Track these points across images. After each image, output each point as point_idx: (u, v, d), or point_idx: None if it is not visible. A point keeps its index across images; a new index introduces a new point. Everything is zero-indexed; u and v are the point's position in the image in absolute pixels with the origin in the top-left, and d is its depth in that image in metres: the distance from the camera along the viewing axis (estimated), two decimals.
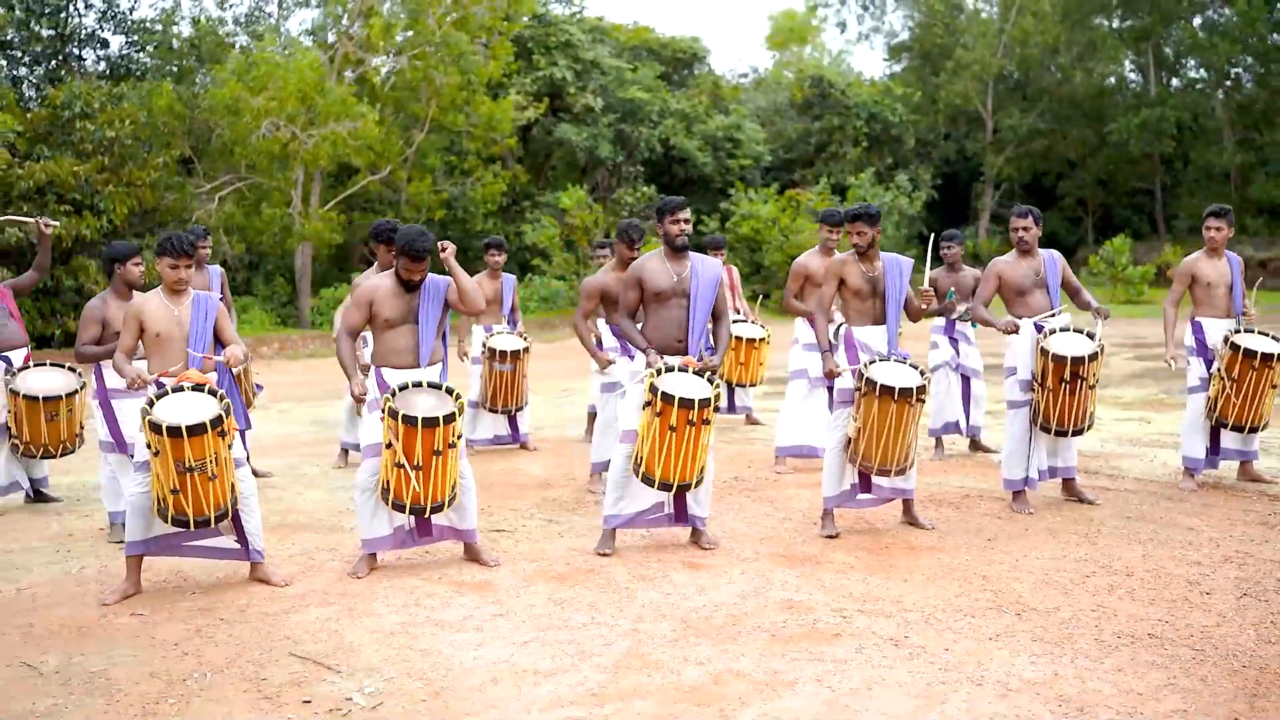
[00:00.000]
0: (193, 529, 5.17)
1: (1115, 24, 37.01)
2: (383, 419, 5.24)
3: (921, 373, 6.00)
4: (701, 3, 73.18)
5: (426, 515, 5.38)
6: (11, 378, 7.13)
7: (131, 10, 25.81)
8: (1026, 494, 6.63)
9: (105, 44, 26.01)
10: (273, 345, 20.78)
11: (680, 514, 5.94)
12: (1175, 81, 37.23)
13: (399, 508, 5.33)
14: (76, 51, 25.58)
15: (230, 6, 24.52)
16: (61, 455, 7.35)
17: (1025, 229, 6.70)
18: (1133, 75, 38.41)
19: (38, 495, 7.61)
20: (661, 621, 4.70)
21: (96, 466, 8.52)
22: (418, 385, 5.36)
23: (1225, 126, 32.84)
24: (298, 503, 7.28)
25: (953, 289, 8.10)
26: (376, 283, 5.61)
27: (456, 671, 4.15)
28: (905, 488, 6.26)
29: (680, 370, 5.72)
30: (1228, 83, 34.80)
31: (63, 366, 7.38)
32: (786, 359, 8.36)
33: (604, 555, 5.78)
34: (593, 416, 9.73)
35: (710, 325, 6.04)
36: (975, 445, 8.56)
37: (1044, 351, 6.35)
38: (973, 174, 39.46)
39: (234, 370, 6.26)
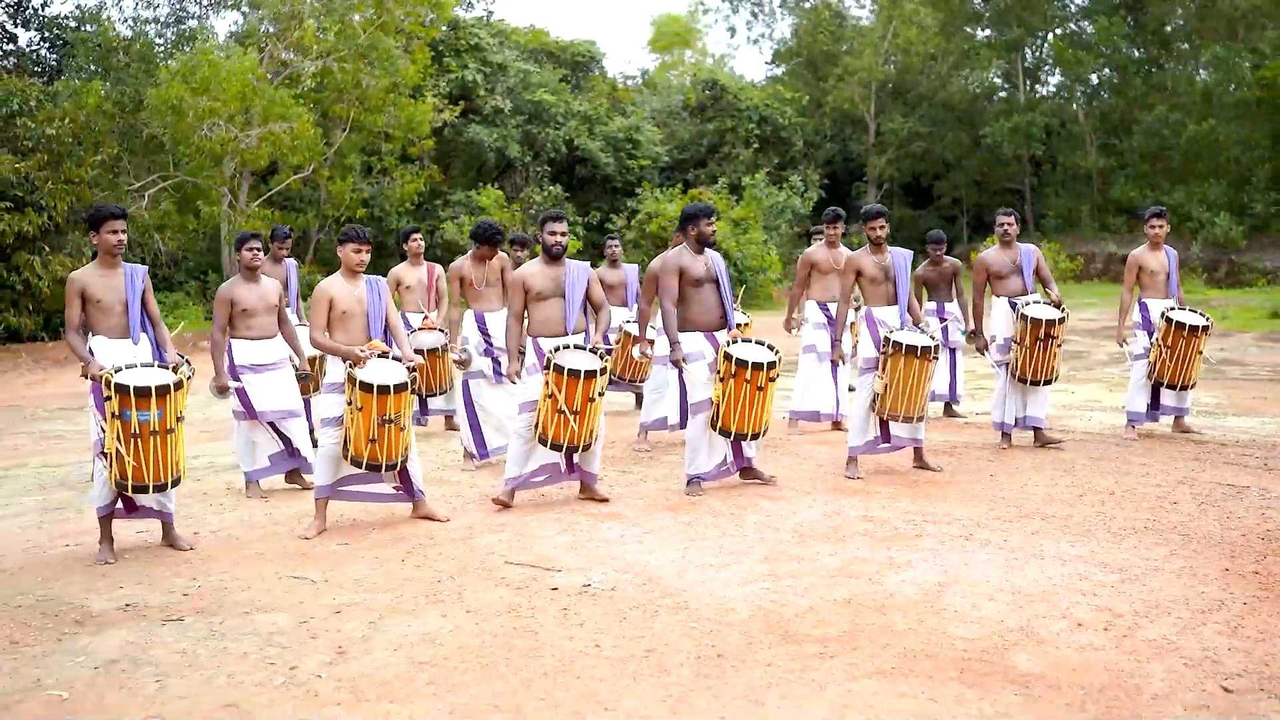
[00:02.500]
0: (382, 472, 6.33)
1: (987, 35, 39.55)
2: (547, 376, 6.45)
3: (932, 336, 7.47)
4: (587, 5, 74.45)
5: (581, 450, 6.64)
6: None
7: (44, 6, 25.97)
8: (1011, 435, 8.21)
9: (13, 39, 26.10)
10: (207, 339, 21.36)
11: (738, 457, 7.28)
12: (1042, 89, 40.00)
13: (557, 447, 6.57)
14: None
15: (154, 7, 24.86)
16: None
17: (1009, 225, 8.29)
18: (1001, 82, 41.03)
19: None
20: (778, 532, 6.05)
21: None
22: (567, 347, 6.60)
23: (1088, 132, 35.58)
24: None
25: None
26: (527, 267, 6.83)
27: (650, 568, 5.42)
28: (919, 437, 7.72)
29: (732, 342, 7.06)
30: (1088, 90, 37.66)
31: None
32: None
33: (694, 496, 7.08)
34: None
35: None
36: (950, 411, 10.10)
37: (1023, 317, 7.95)
38: (854, 174, 41.61)
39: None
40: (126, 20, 25.33)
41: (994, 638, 4.31)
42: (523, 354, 6.91)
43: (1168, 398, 8.66)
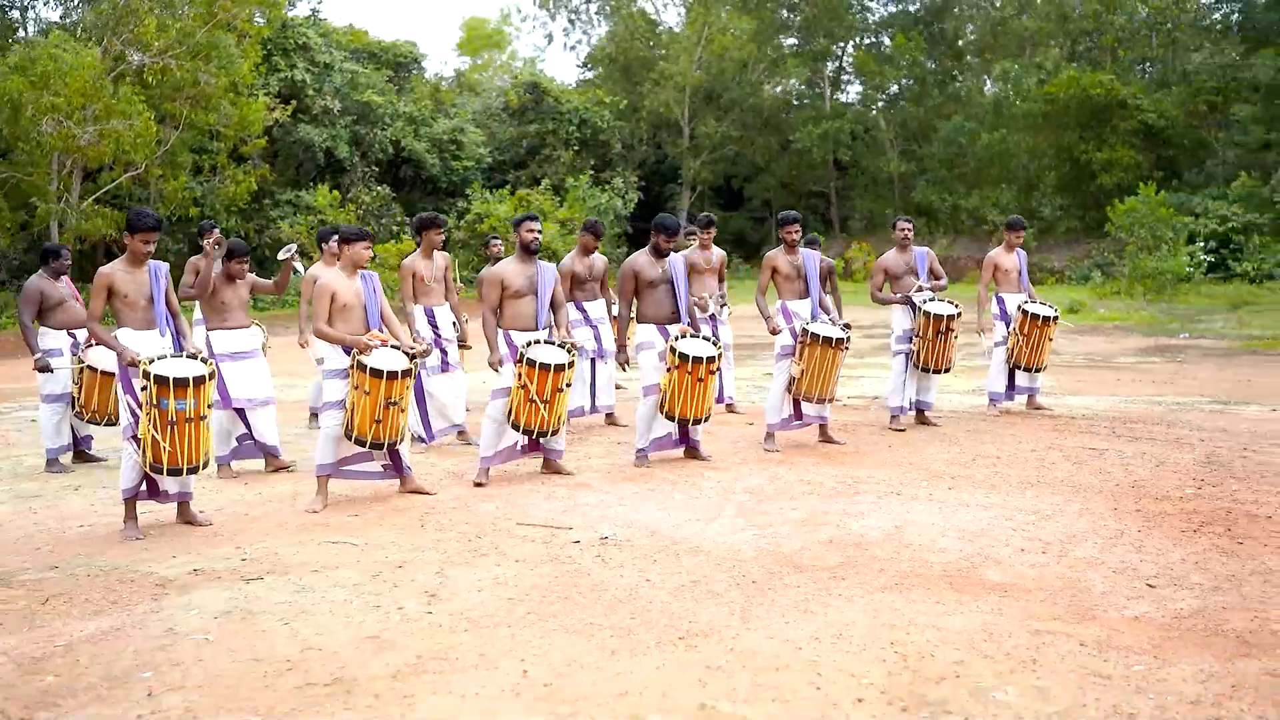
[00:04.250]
0: (383, 450, 7.00)
1: (794, 43, 41.81)
2: (518, 369, 7.22)
3: (844, 328, 8.58)
4: (399, 7, 74.04)
5: (547, 437, 7.43)
6: (83, 353, 8.41)
7: None
8: (900, 418, 9.41)
9: None
10: None
11: (684, 437, 8.23)
12: (843, 97, 42.55)
13: (528, 432, 7.35)
14: None
15: None
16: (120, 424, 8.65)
17: (908, 231, 9.49)
18: (805, 89, 43.36)
19: (81, 454, 8.83)
20: (735, 494, 7.03)
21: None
22: (538, 342, 7.38)
23: (889, 139, 38.16)
24: None
25: None
26: (502, 266, 7.56)
27: (647, 524, 6.31)
28: (825, 415, 8.84)
29: (680, 337, 8.00)
30: (888, 99, 40.35)
31: None
32: None
33: (641, 467, 7.98)
34: None
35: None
36: None
37: (925, 313, 9.14)
38: (668, 176, 43.20)
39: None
40: None
41: (962, 561, 5.41)
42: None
43: (1022, 379, 10.08)
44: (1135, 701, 3.69)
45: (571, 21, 46.00)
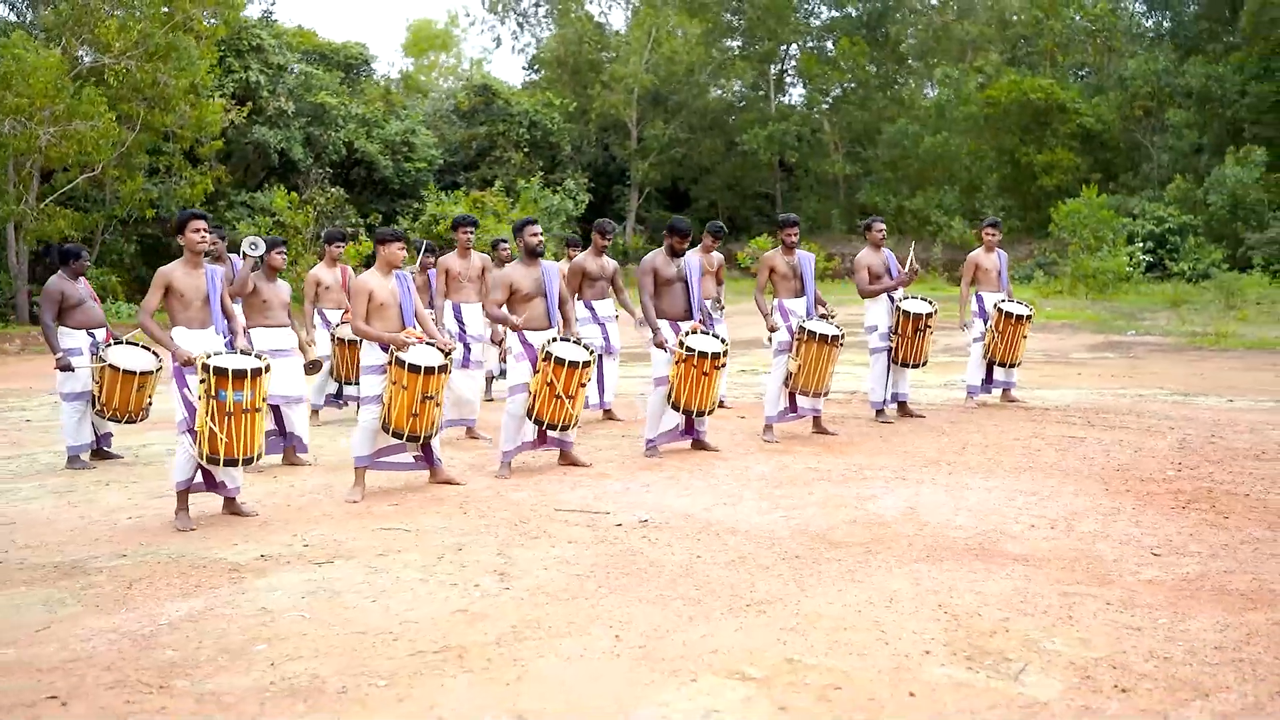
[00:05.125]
0: (419, 443, 7.36)
1: (737, 45, 42.56)
2: (542, 366, 7.61)
3: (838, 326, 9.08)
4: (343, 8, 73.89)
5: (568, 429, 7.84)
6: (103, 351, 8.67)
7: None
8: (886, 411, 9.94)
9: None
10: (14, 342, 20.79)
11: (689, 429, 8.68)
12: (791, 100, 43.36)
13: (551, 427, 7.75)
14: None
15: None
16: (140, 421, 8.91)
17: (881, 231, 10.02)
18: (749, 92, 44.10)
19: (100, 452, 9.08)
20: (750, 481, 7.49)
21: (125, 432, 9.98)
22: (554, 340, 7.77)
23: (834, 141, 39.02)
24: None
25: None
26: (510, 269, 7.95)
27: (678, 508, 6.74)
28: (820, 408, 9.34)
29: (692, 333, 8.45)
30: (831, 102, 41.18)
31: (138, 346, 8.94)
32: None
33: (652, 457, 8.41)
34: (490, 378, 12.12)
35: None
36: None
37: (904, 312, 9.67)
38: (616, 178, 43.69)
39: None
40: None
41: (980, 536, 5.92)
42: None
43: (999, 374, 10.67)
44: (1168, 647, 4.21)
45: (520, 25, 46.33)
